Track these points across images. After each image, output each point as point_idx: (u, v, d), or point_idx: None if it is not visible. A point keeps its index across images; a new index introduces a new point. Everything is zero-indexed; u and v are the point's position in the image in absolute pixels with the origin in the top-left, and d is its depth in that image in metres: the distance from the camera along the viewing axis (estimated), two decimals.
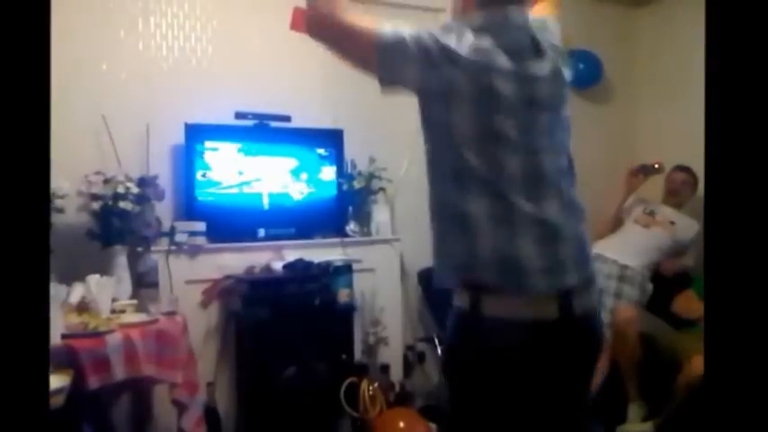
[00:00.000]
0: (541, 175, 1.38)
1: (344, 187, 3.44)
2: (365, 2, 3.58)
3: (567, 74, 1.47)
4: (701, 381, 2.28)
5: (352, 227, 3.48)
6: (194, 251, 3.03)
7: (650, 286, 3.58)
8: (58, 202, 2.64)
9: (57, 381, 1.81)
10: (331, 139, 3.45)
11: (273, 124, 3.31)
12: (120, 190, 2.74)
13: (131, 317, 2.49)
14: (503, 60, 1.35)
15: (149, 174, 2.94)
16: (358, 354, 3.31)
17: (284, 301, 2.98)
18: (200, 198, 3.11)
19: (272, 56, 3.44)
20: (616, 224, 3.83)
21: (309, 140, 3.41)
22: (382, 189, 3.47)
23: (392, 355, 3.45)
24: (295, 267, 3.07)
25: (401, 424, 3.03)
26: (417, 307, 3.75)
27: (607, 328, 3.23)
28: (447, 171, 1.40)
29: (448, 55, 1.34)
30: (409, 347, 3.60)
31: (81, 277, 2.46)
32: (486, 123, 1.35)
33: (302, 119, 3.38)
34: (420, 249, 3.53)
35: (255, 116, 3.28)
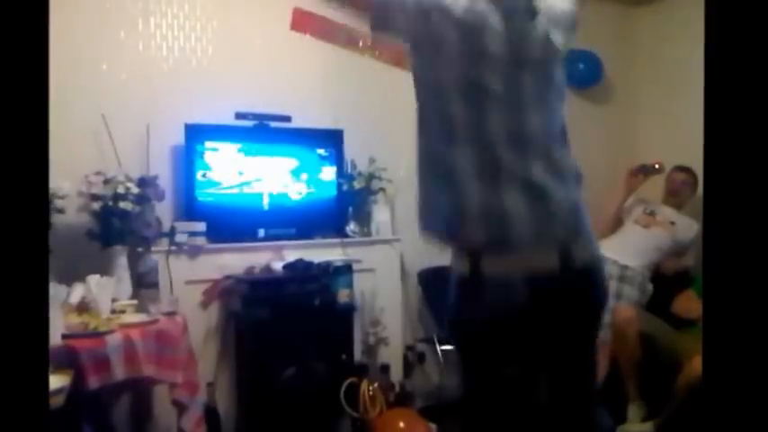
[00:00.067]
0: (526, 133, 1.39)
1: (344, 187, 3.44)
2: None
3: (560, 38, 1.46)
4: (700, 381, 2.29)
5: (352, 227, 3.48)
6: (194, 251, 3.03)
7: (650, 286, 3.58)
8: (58, 203, 2.63)
9: (57, 381, 1.81)
10: (331, 140, 3.45)
11: (273, 124, 3.31)
12: (121, 190, 2.74)
13: (131, 317, 2.49)
14: (495, 20, 1.38)
15: (149, 174, 2.94)
16: (358, 354, 3.31)
17: (284, 301, 2.98)
18: (200, 198, 3.11)
19: (273, 56, 3.45)
20: (616, 224, 3.83)
21: (309, 141, 3.41)
22: (382, 189, 3.47)
23: (392, 355, 3.45)
24: (295, 267, 3.07)
25: (401, 424, 3.03)
26: (417, 307, 3.75)
27: (607, 328, 3.23)
28: (435, 125, 1.43)
29: (442, 10, 1.37)
30: (409, 348, 3.60)
31: (81, 277, 2.46)
32: (474, 78, 1.38)
33: (302, 119, 3.38)
34: (420, 250, 3.52)
35: (255, 116, 3.28)
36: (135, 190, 2.79)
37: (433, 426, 3.06)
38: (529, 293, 1.35)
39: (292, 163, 3.35)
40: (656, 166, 3.86)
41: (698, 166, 3.65)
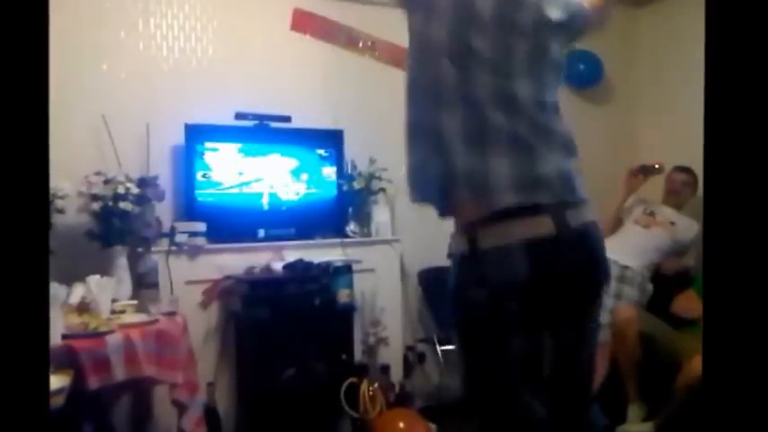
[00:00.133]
0: (514, 99, 1.37)
1: (344, 188, 3.44)
2: (364, 2, 3.61)
3: (557, 13, 1.44)
4: (700, 381, 2.29)
5: (352, 227, 3.48)
6: (194, 251, 3.03)
7: (650, 286, 3.58)
8: (58, 203, 2.64)
9: (57, 381, 1.81)
10: (331, 140, 3.45)
11: (273, 125, 3.31)
12: (121, 190, 2.75)
13: (131, 317, 2.49)
14: None
15: (149, 174, 2.95)
16: (358, 354, 3.31)
17: (284, 301, 2.98)
18: (200, 198, 3.11)
19: (273, 56, 3.45)
20: (616, 225, 3.83)
21: (309, 141, 3.41)
22: (382, 189, 3.47)
23: (392, 355, 3.45)
24: (295, 268, 3.07)
25: (401, 424, 3.03)
26: (417, 307, 3.75)
27: (607, 328, 3.23)
28: (423, 85, 1.44)
29: None
30: (409, 348, 3.60)
31: (81, 278, 2.46)
32: (463, 39, 1.38)
33: (302, 119, 3.38)
34: (420, 250, 3.54)
35: (255, 116, 3.28)
36: (135, 190, 2.79)
37: (433, 426, 3.06)
38: (527, 262, 1.34)
39: (292, 163, 3.35)
40: (656, 166, 3.85)
41: (698, 167, 3.65)
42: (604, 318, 3.23)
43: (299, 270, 3.07)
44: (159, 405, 2.82)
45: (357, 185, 3.44)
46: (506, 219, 1.36)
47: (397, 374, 3.41)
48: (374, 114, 3.52)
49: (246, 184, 3.24)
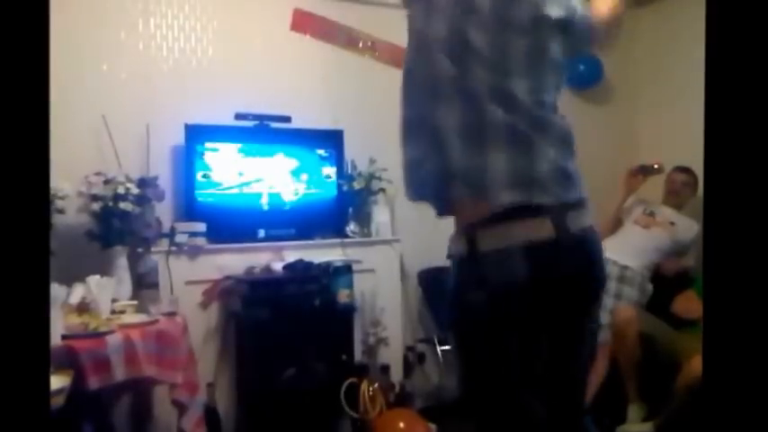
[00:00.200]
0: (512, 95, 1.36)
1: (344, 188, 3.44)
2: (364, 2, 3.61)
3: (558, 12, 1.43)
4: (700, 381, 2.29)
5: (352, 227, 3.48)
6: (194, 252, 3.03)
7: (650, 287, 3.58)
8: (58, 203, 2.64)
9: (57, 381, 1.81)
10: (331, 140, 3.45)
11: (273, 125, 3.31)
12: (121, 191, 2.75)
13: (131, 317, 2.49)
14: None
15: (149, 174, 2.95)
16: (358, 354, 3.31)
17: (284, 301, 2.98)
18: (200, 199, 3.11)
19: (273, 56, 3.45)
20: (616, 225, 3.83)
21: (309, 141, 3.41)
22: (382, 190, 3.47)
23: (392, 355, 3.45)
24: (295, 268, 3.07)
25: (401, 424, 3.03)
26: (417, 308, 3.75)
27: (607, 328, 3.23)
28: (421, 80, 1.43)
29: None
30: (409, 348, 3.60)
31: (81, 278, 2.46)
32: (461, 35, 1.38)
33: (302, 119, 3.38)
34: (420, 250, 3.54)
35: (255, 117, 3.28)
36: (135, 190, 2.79)
37: (433, 426, 3.06)
38: (526, 265, 1.33)
39: (292, 163, 3.35)
40: (656, 166, 3.85)
41: (698, 167, 3.65)
42: (604, 318, 3.24)
43: (299, 270, 3.07)
44: (159, 405, 2.82)
45: (357, 185, 3.44)
46: (506, 220, 1.35)
47: (397, 374, 3.41)
48: (374, 114, 3.52)
49: (246, 184, 3.24)
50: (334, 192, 3.45)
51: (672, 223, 3.73)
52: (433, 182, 1.42)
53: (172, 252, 2.97)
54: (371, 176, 3.45)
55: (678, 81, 4.11)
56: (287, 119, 3.33)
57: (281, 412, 2.90)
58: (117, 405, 2.82)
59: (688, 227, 3.72)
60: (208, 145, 3.14)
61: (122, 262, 2.80)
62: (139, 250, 2.88)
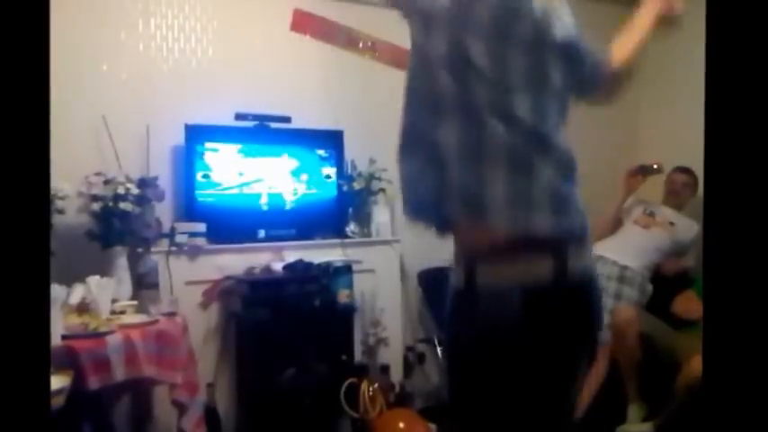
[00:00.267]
0: (512, 114, 1.33)
1: (344, 188, 3.44)
2: (364, 2, 3.61)
3: (562, 32, 1.40)
4: (699, 381, 2.29)
5: (352, 228, 3.48)
6: (194, 252, 3.03)
7: (650, 287, 3.58)
8: (58, 204, 2.64)
9: (57, 381, 1.81)
10: (331, 140, 3.45)
11: (273, 125, 3.31)
12: (121, 191, 2.75)
13: (131, 318, 2.49)
14: None
15: (149, 175, 2.94)
16: (358, 354, 3.31)
17: (284, 301, 2.98)
18: (200, 199, 3.11)
19: (273, 57, 3.45)
20: (615, 225, 3.83)
21: (309, 141, 3.41)
22: (382, 190, 3.47)
23: (392, 355, 3.45)
24: (295, 268, 3.07)
25: (401, 425, 3.03)
26: (417, 308, 3.75)
27: (607, 328, 3.23)
28: (421, 96, 1.42)
29: None
30: (409, 348, 3.60)
31: (81, 278, 2.46)
32: (461, 50, 1.36)
33: (302, 120, 3.38)
34: (420, 250, 3.53)
35: (255, 117, 3.28)
36: (135, 191, 2.79)
37: (433, 426, 3.05)
38: (522, 309, 1.32)
39: (292, 164, 3.35)
40: (655, 166, 3.85)
41: (698, 167, 3.65)
42: (604, 318, 3.24)
43: (299, 270, 3.07)
44: (159, 405, 2.81)
45: (357, 186, 3.44)
46: (505, 255, 1.33)
47: (397, 375, 3.41)
48: (374, 115, 3.51)
49: (246, 184, 3.24)
50: (334, 192, 3.45)
51: (672, 223, 3.73)
52: (431, 199, 1.39)
53: (172, 252, 2.97)
54: (371, 177, 3.45)
55: (678, 81, 4.11)
56: (287, 119, 3.33)
57: (281, 412, 2.90)
58: (117, 405, 2.82)
59: (688, 227, 3.72)
60: (208, 145, 3.14)
61: (122, 262, 2.80)
62: (139, 250, 2.88)
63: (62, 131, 2.42)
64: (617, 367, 3.28)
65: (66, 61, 2.81)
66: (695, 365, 2.87)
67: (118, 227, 2.77)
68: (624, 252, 3.57)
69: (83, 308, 2.40)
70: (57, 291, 2.29)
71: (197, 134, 3.12)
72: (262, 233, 3.23)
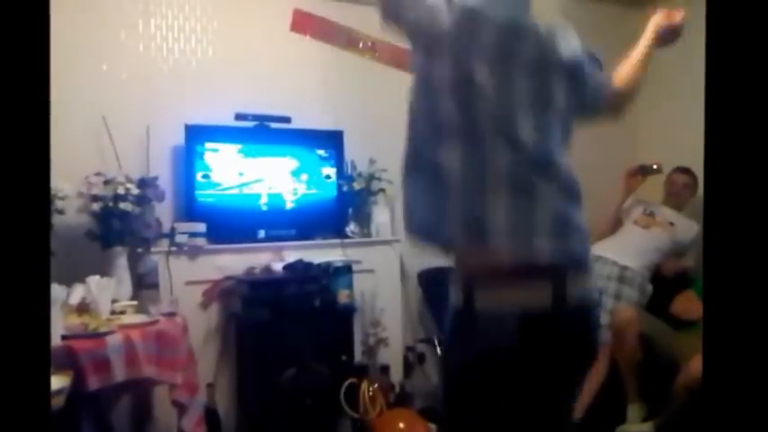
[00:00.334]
0: (516, 138, 1.33)
1: (344, 188, 3.44)
2: (364, 2, 3.60)
3: (568, 52, 1.42)
4: (699, 381, 2.29)
5: (352, 228, 3.48)
6: (194, 252, 3.03)
7: (650, 287, 3.58)
8: (58, 204, 2.64)
9: (57, 382, 1.81)
10: (331, 141, 3.45)
11: (273, 125, 3.31)
12: (121, 191, 2.75)
13: (131, 318, 2.49)
14: (494, 16, 1.37)
15: (149, 175, 2.95)
16: (358, 355, 3.31)
17: (284, 302, 2.98)
18: (200, 199, 3.11)
19: (273, 57, 3.45)
20: (615, 225, 3.83)
21: (309, 141, 3.41)
22: (382, 190, 3.47)
23: (392, 356, 3.45)
24: (295, 268, 3.07)
25: (401, 425, 3.03)
26: (417, 308, 3.75)
27: (606, 329, 3.23)
28: (424, 120, 1.41)
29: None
30: (409, 348, 3.60)
31: (81, 278, 2.46)
32: (466, 72, 1.35)
33: (302, 120, 3.38)
34: (420, 250, 3.54)
35: (255, 117, 3.28)
36: (135, 191, 2.79)
37: (433, 426, 3.05)
38: (518, 334, 1.32)
39: (292, 164, 3.35)
40: (655, 166, 3.85)
41: (698, 167, 3.65)
42: (604, 318, 3.24)
43: (299, 271, 3.07)
44: (159, 405, 2.81)
45: (357, 186, 3.44)
46: (505, 279, 1.33)
47: (396, 375, 3.41)
48: (374, 115, 3.52)
49: (246, 184, 3.24)
50: (334, 192, 3.45)
51: (671, 224, 3.73)
52: (433, 221, 1.39)
53: (172, 252, 2.97)
54: (371, 177, 3.45)
55: (678, 81, 4.10)
56: (287, 119, 3.33)
57: (281, 413, 2.90)
58: (117, 405, 2.82)
59: (688, 227, 3.72)
60: (208, 145, 3.14)
61: (122, 262, 2.80)
62: (139, 250, 2.88)
63: (62, 131, 2.42)
64: (617, 367, 3.28)
65: (66, 61, 2.81)
66: (695, 366, 2.87)
67: (118, 227, 2.77)
68: (624, 252, 3.57)
69: (83, 308, 2.40)
70: (57, 291, 2.29)
71: (197, 134, 3.12)
72: (262, 233, 3.23)
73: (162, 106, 3.13)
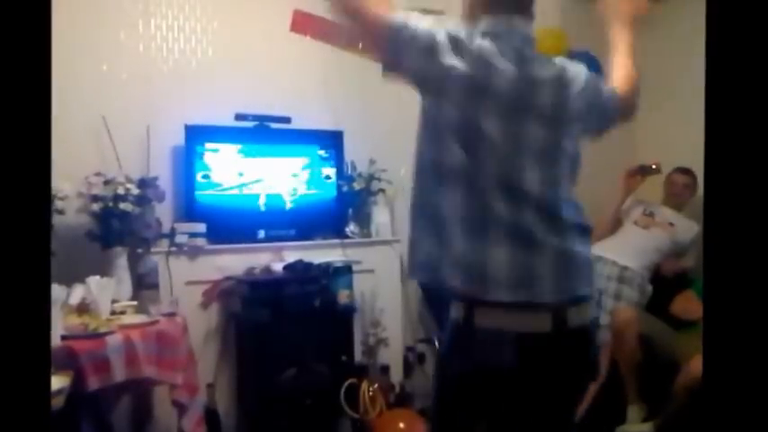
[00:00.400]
0: (520, 187, 1.34)
1: (344, 188, 3.44)
2: None
3: (580, 105, 1.43)
4: (699, 382, 2.28)
5: (352, 228, 3.48)
6: (194, 252, 3.03)
7: (649, 287, 3.58)
8: (58, 204, 2.63)
9: (57, 382, 1.81)
10: (331, 141, 3.45)
11: (273, 126, 3.31)
12: (121, 191, 2.75)
13: (131, 318, 2.48)
14: (503, 62, 1.36)
15: (149, 175, 2.94)
16: (358, 355, 3.31)
17: (284, 302, 2.98)
18: (200, 199, 3.11)
19: (273, 57, 3.45)
20: (615, 225, 3.83)
21: (309, 142, 3.41)
22: (382, 190, 3.47)
23: (392, 356, 3.45)
24: (295, 268, 3.07)
25: (401, 425, 3.03)
26: (417, 308, 3.75)
27: (606, 329, 3.23)
28: (429, 166, 1.40)
29: (455, 43, 1.34)
30: (409, 348, 3.60)
31: (81, 278, 2.46)
32: (473, 121, 1.34)
33: (302, 120, 3.38)
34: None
35: (255, 117, 3.28)
36: (135, 191, 2.79)
37: None
38: (517, 354, 1.33)
39: (292, 164, 3.35)
40: (654, 166, 3.85)
41: (698, 167, 3.65)
42: (604, 318, 3.24)
43: (298, 271, 3.07)
44: (159, 406, 2.81)
45: (357, 186, 3.44)
46: (505, 306, 1.34)
47: (396, 375, 3.41)
48: (374, 115, 3.52)
49: (246, 185, 3.24)
50: (333, 192, 3.45)
51: (671, 224, 3.73)
52: (435, 268, 1.39)
53: (172, 252, 2.97)
54: (371, 177, 3.45)
55: (678, 81, 4.10)
56: (287, 119, 3.33)
57: (281, 413, 2.90)
58: (117, 405, 2.82)
59: (687, 227, 3.72)
60: (208, 146, 3.14)
61: (122, 262, 2.80)
62: (139, 251, 2.88)
63: (62, 131, 2.41)
64: (617, 368, 3.28)
65: (67, 61, 2.81)
66: (695, 366, 2.87)
67: (118, 227, 2.77)
68: (624, 252, 3.57)
69: (83, 308, 2.40)
70: (57, 291, 2.29)
71: (197, 134, 3.12)
72: (262, 233, 3.23)
73: (162, 106, 3.13)
